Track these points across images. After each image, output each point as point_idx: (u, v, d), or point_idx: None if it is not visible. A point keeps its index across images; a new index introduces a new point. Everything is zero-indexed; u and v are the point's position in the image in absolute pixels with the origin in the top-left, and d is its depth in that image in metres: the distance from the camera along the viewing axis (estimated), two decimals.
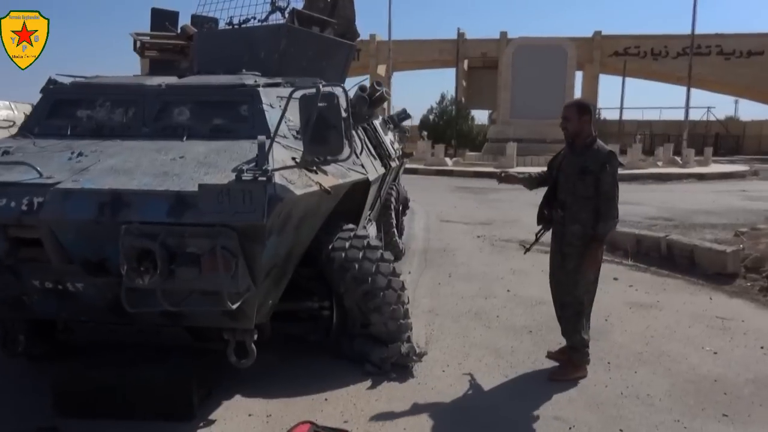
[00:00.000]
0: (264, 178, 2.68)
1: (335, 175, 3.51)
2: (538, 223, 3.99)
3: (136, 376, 3.17)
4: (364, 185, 4.27)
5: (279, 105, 3.61)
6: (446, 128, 33.99)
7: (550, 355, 4.04)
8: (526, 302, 5.42)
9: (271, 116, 3.49)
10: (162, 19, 5.85)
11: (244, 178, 2.71)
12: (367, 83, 4.41)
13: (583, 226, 3.62)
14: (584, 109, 3.66)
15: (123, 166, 2.98)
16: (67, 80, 3.97)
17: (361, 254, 3.90)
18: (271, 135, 3.28)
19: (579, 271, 3.67)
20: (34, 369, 3.79)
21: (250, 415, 3.28)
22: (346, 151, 3.04)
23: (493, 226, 9.89)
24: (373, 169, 4.60)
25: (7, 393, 3.52)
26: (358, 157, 4.16)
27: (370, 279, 3.83)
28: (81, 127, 3.52)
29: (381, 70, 37.23)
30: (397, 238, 7.08)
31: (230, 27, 5.21)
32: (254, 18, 5.16)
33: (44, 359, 3.77)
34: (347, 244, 3.93)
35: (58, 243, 2.80)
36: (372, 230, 5.46)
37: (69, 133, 3.49)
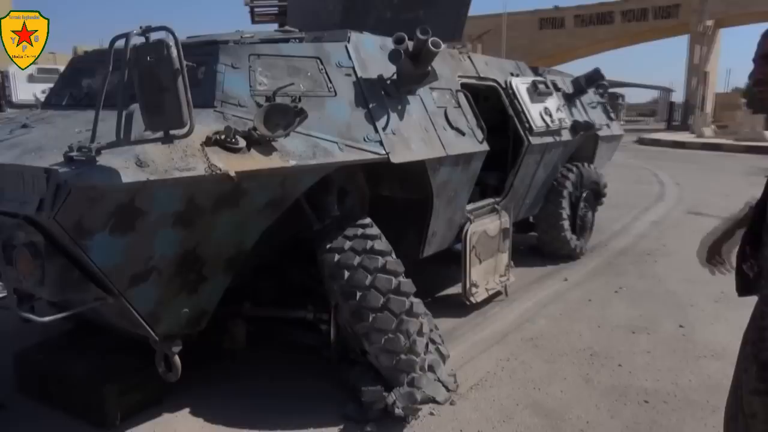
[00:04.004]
0: (83, 159, 2.07)
1: (291, 155, 2.66)
2: (739, 293, 1.97)
3: (63, 368, 2.93)
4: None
5: (250, 65, 2.88)
6: None
7: None
8: (689, 350, 3.64)
9: (228, 80, 2.79)
10: None
11: (75, 157, 2.15)
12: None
13: None
14: None
15: (31, 139, 2.66)
16: None
17: (357, 260, 2.96)
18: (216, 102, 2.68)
19: None
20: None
21: None
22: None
23: None
24: (438, 146, 3.50)
25: None
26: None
27: (358, 294, 2.88)
28: (77, 96, 3.36)
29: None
30: (567, 233, 5.56)
31: None
32: None
33: None
34: (347, 245, 3.03)
35: None
36: (489, 223, 4.30)
37: (64, 103, 3.36)
